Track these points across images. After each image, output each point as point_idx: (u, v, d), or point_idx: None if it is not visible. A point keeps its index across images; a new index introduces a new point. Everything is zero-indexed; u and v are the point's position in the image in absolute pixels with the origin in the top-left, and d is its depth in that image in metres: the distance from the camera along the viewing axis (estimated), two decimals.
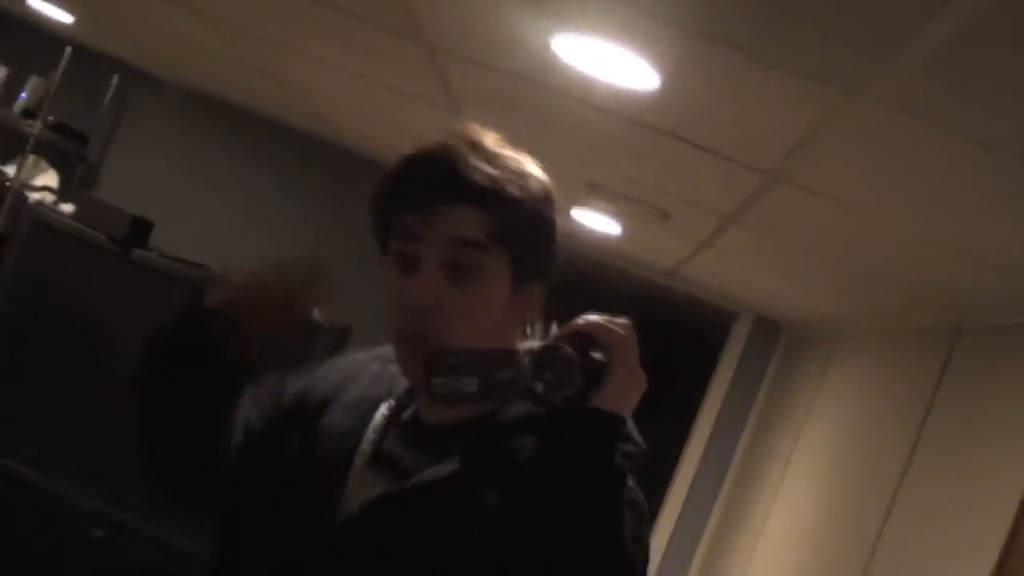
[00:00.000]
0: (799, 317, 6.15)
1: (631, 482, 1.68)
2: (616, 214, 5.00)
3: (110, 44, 6.80)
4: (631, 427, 1.74)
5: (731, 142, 3.04)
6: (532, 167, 1.85)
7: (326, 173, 7.25)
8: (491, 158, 1.79)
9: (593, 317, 1.66)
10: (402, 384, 1.97)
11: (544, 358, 1.61)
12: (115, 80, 7.20)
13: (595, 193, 4.48)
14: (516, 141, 1.88)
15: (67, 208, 6.11)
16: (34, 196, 6.60)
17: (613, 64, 2.75)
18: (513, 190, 1.78)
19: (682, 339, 7.93)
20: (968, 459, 3.34)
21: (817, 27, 2.04)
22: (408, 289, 1.76)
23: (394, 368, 1.98)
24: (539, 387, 1.60)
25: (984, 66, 1.90)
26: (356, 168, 7.08)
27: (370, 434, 1.92)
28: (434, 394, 1.67)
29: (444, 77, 3.66)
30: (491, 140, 1.83)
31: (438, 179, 1.76)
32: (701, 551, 6.80)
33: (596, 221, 5.29)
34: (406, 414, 1.94)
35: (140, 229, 5.70)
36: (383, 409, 1.96)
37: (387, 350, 2.02)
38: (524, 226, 1.80)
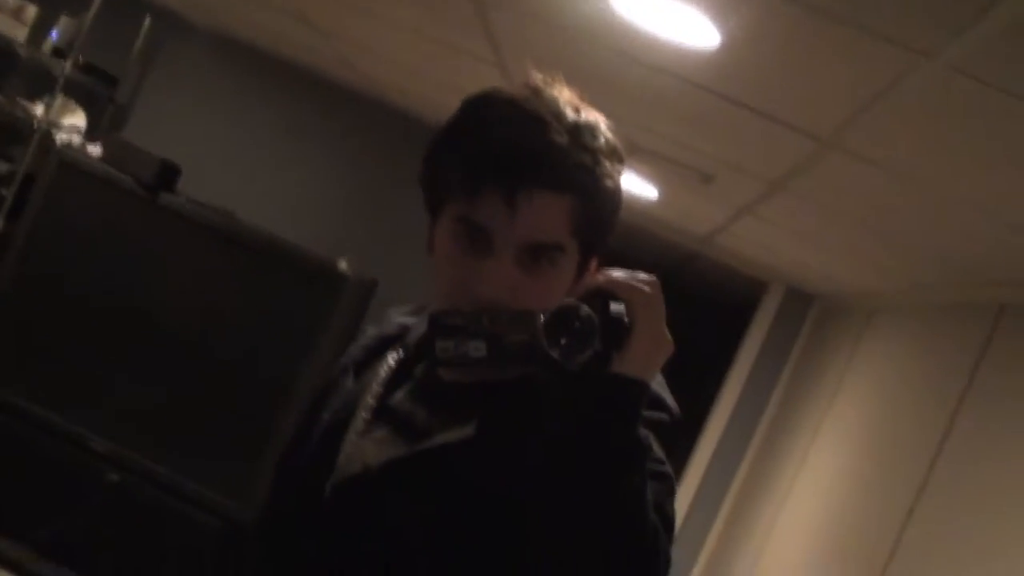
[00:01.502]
0: (833, 289, 6.08)
1: (658, 452, 1.58)
2: (655, 177, 4.92)
3: None
4: (662, 391, 1.65)
5: (790, 106, 2.95)
6: (613, 138, 1.67)
7: (359, 124, 7.19)
8: (581, 136, 1.60)
9: (614, 272, 1.54)
10: (416, 334, 1.86)
11: (560, 318, 1.49)
12: (147, 22, 7.11)
13: (635, 154, 4.40)
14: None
15: (95, 150, 6.04)
16: (62, 136, 6.54)
17: (673, 20, 2.66)
18: (605, 182, 1.63)
19: (710, 307, 7.88)
20: (1008, 443, 3.26)
21: None
22: (480, 277, 1.60)
23: (405, 320, 1.92)
24: (555, 351, 1.48)
25: None
26: (391, 121, 7.04)
27: (375, 386, 1.82)
28: (439, 360, 1.56)
29: (490, 28, 3.58)
30: (572, 102, 1.65)
31: (527, 163, 1.57)
32: (722, 516, 6.77)
33: (631, 183, 5.19)
34: (419, 368, 1.82)
35: (168, 173, 5.64)
36: (390, 360, 1.85)
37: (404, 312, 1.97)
38: (606, 214, 1.67)
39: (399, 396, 1.80)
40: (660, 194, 5.31)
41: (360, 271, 5.64)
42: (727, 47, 2.69)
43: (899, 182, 3.13)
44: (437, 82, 5.11)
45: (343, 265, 5.47)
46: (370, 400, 1.81)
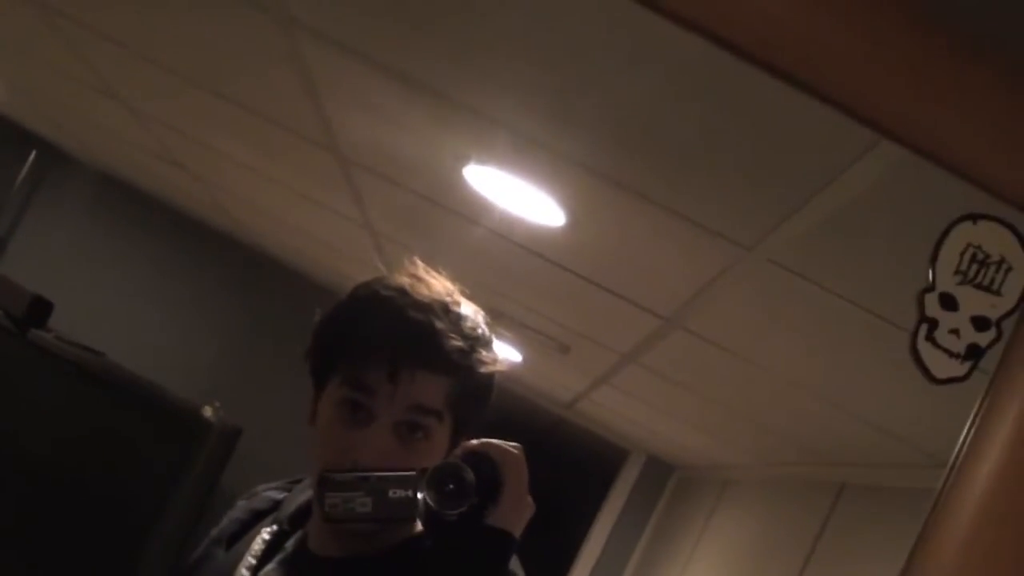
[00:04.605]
0: (689, 459, 6.17)
1: None
2: (517, 342, 5.02)
3: (30, 119, 6.72)
4: (514, 564, 1.72)
5: (632, 284, 3.07)
6: (487, 329, 1.83)
7: (234, 272, 7.21)
8: (459, 324, 1.75)
9: (487, 439, 1.68)
10: (288, 509, 1.92)
11: (442, 473, 1.62)
12: (32, 156, 7.12)
13: (498, 320, 4.47)
14: (424, 261, 1.85)
15: None
16: None
17: (522, 198, 2.79)
18: (479, 364, 1.76)
19: (578, 470, 7.92)
20: None
21: (717, 183, 2.09)
22: (356, 444, 1.69)
23: (276, 495, 1.97)
24: (434, 503, 1.61)
25: (869, 237, 1.97)
26: (263, 269, 7.07)
27: (248, 558, 1.85)
28: (327, 515, 1.65)
29: (356, 190, 3.67)
30: (451, 292, 1.79)
31: (411, 345, 1.70)
32: None
33: (498, 347, 5.25)
34: (290, 543, 1.87)
35: (40, 309, 5.59)
36: (264, 534, 1.90)
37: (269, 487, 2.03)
38: (479, 395, 1.79)
39: (269, 569, 1.84)
40: (524, 358, 5.40)
41: (226, 418, 5.63)
42: (572, 226, 2.81)
43: (738, 362, 3.24)
44: (308, 236, 5.17)
45: (208, 411, 5.47)
46: (243, 571, 1.84)
